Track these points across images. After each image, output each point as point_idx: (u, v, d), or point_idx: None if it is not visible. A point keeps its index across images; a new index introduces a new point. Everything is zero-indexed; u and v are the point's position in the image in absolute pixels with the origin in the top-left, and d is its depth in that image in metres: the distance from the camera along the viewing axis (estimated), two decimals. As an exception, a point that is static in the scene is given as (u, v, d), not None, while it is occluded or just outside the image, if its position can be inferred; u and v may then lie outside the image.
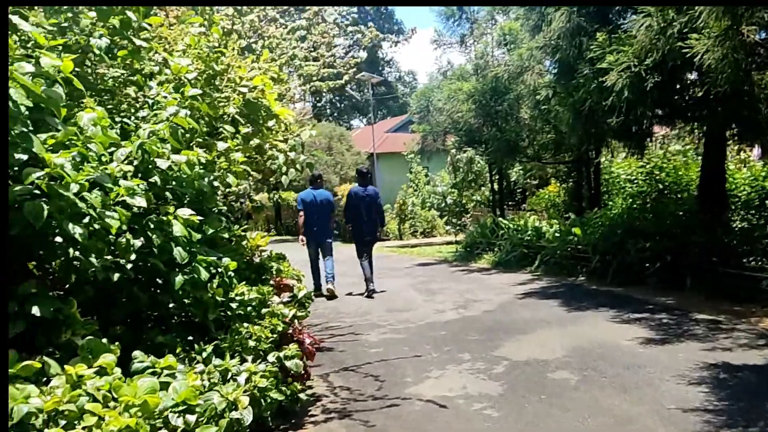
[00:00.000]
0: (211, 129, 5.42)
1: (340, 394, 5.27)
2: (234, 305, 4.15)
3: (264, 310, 4.44)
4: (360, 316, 8.64)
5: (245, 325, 4.10)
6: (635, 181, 11.81)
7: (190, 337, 3.73)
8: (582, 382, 5.17)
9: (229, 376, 3.42)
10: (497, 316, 8.02)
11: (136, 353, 3.12)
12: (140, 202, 3.08)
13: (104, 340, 2.95)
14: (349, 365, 6.23)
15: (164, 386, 2.87)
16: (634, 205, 11.06)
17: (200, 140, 4.30)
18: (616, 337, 6.51)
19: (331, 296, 10.15)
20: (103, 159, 3.16)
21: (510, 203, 19.26)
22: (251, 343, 3.87)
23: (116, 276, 3.15)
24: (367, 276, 10.35)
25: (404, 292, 10.43)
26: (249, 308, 4.35)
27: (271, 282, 5.17)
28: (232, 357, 3.66)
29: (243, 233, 6.05)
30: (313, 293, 9.75)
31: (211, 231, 3.61)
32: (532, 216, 14.30)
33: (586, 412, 4.46)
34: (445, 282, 11.17)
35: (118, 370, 2.86)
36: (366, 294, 10.22)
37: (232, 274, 4.22)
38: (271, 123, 5.16)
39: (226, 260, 4.23)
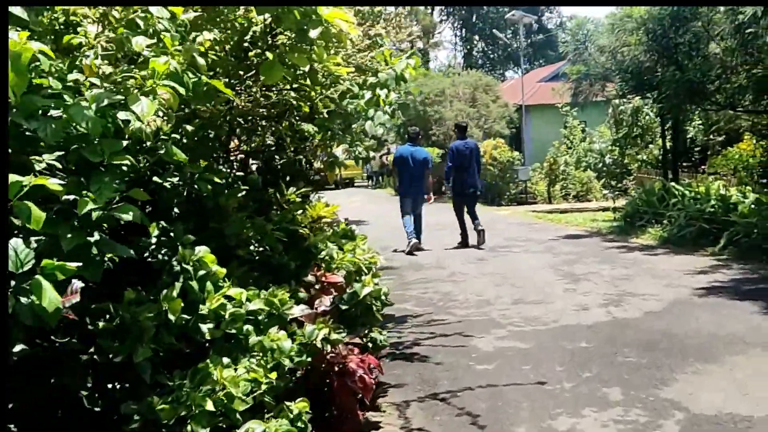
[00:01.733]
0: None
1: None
2: (206, 326, 2.50)
3: (273, 331, 2.75)
4: (477, 307, 6.75)
5: (224, 361, 2.46)
6: None
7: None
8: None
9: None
10: (665, 322, 5.73)
11: None
12: None
13: None
14: (441, 390, 4.42)
15: None
16: None
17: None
18: None
19: (415, 250, 10.32)
20: None
21: (685, 165, 15.95)
22: (208, 405, 2.20)
23: None
24: (465, 230, 10.82)
25: (541, 273, 8.32)
26: (248, 327, 2.69)
27: (310, 277, 3.46)
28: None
29: (300, 200, 4.41)
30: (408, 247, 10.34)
31: (91, 202, 1.87)
32: (716, 181, 11.28)
33: None
34: (596, 263, 8.85)
35: None
36: (477, 243, 10.66)
37: (215, 274, 2.58)
38: (314, 32, 3.33)
39: (201, 250, 2.60)
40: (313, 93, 4.23)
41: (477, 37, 39.99)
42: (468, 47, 37.99)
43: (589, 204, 18.79)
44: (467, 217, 10.83)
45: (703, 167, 15.44)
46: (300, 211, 4.32)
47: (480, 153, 11.28)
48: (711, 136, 14.80)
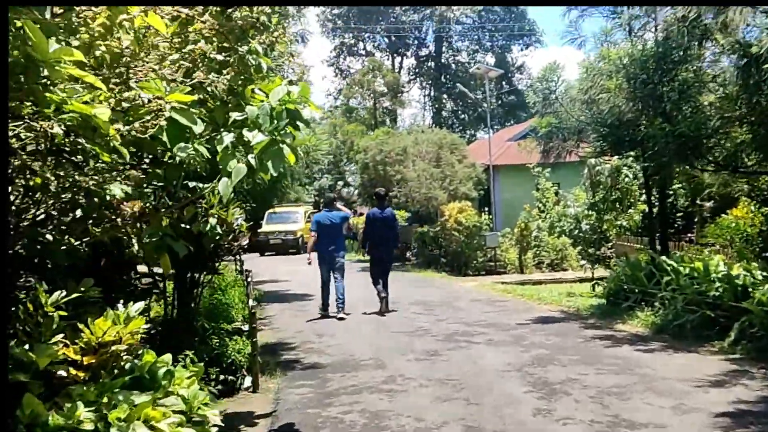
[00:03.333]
0: None
1: None
2: None
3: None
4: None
5: None
6: None
7: None
8: None
9: None
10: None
11: None
12: None
13: None
14: None
15: None
16: None
17: None
18: None
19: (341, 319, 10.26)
20: None
21: (669, 232, 14.27)
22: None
23: None
24: (381, 294, 10.70)
25: (504, 382, 6.30)
26: None
27: None
28: None
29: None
30: (319, 311, 10.66)
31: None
32: (713, 255, 9.49)
33: None
34: (576, 365, 6.87)
35: None
36: (379, 311, 10.63)
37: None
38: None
39: None
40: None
41: (446, 96, 39.08)
42: (437, 106, 36.94)
43: (565, 274, 16.96)
44: (379, 288, 10.80)
45: (689, 235, 13.80)
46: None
47: (396, 221, 11.77)
48: (698, 201, 13.18)
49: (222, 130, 3.62)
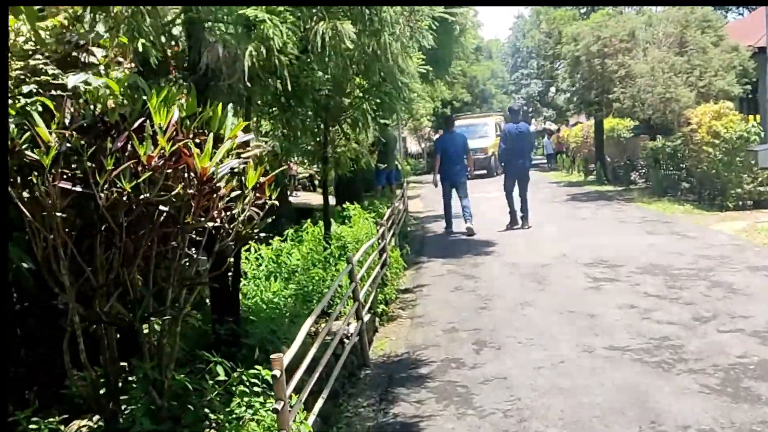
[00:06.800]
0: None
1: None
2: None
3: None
4: None
5: None
6: None
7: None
8: None
9: None
10: None
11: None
12: None
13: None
14: None
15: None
16: None
17: None
18: None
19: (470, 234, 10.93)
20: None
21: None
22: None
23: None
24: (513, 209, 11.19)
25: None
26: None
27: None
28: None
29: None
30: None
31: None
32: None
33: None
34: None
35: None
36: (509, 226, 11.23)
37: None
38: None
39: None
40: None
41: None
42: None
43: None
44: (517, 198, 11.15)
45: None
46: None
47: (533, 136, 12.79)
48: None
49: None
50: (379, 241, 7.35)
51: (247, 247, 6.64)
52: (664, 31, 14.42)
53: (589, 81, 15.94)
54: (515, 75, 50.65)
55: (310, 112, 5.74)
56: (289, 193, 16.11)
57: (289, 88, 3.98)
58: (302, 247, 7.40)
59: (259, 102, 4.60)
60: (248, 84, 3.64)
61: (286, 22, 3.54)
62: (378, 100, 5.37)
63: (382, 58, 3.82)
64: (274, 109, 4.89)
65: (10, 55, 2.93)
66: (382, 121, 7.34)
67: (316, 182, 18.96)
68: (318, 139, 6.86)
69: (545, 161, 32.66)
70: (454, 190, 11.29)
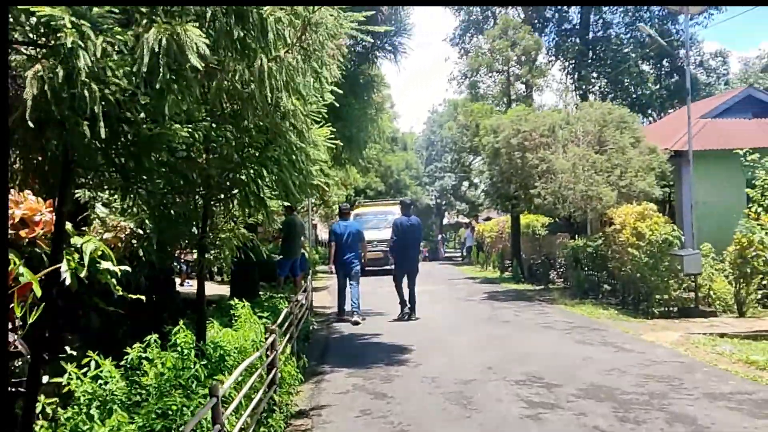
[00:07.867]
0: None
1: None
2: None
3: None
4: None
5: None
6: None
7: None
8: None
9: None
10: None
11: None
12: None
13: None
14: None
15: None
16: None
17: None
18: None
19: (355, 324, 10.97)
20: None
21: None
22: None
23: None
24: (403, 300, 11.46)
25: None
26: None
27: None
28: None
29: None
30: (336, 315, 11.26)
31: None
32: None
33: None
34: None
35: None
36: (400, 317, 11.37)
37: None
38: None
39: None
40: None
41: (595, 75, 32.12)
42: (584, 88, 30.19)
43: (822, 323, 10.50)
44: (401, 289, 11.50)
45: None
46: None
47: (422, 229, 12.32)
48: None
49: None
50: (268, 353, 5.76)
51: (86, 360, 4.85)
52: (583, 129, 14.13)
53: (509, 174, 15.36)
54: (429, 167, 51.18)
55: (181, 182, 4.24)
56: (180, 281, 14.20)
57: (124, 140, 2.54)
58: (168, 358, 5.64)
59: (87, 161, 3.07)
60: (36, 128, 2.18)
61: (105, 32, 2.16)
62: (261, 168, 3.89)
63: (256, 94, 2.47)
64: (113, 174, 3.35)
65: None
66: (281, 202, 5.94)
67: (214, 269, 17.10)
68: (196, 222, 5.32)
69: (458, 255, 32.23)
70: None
